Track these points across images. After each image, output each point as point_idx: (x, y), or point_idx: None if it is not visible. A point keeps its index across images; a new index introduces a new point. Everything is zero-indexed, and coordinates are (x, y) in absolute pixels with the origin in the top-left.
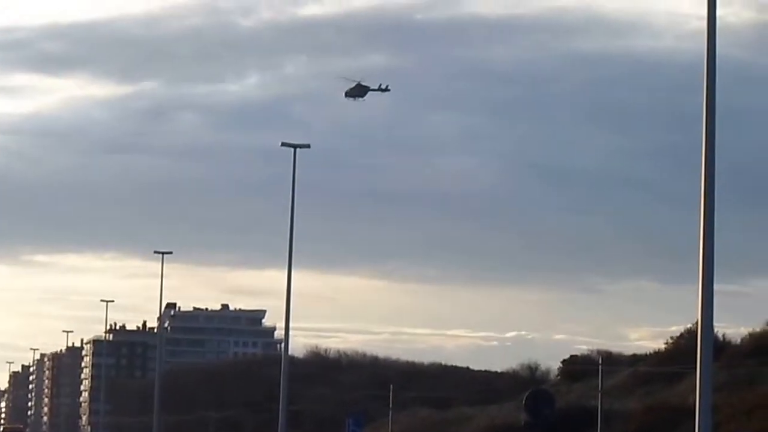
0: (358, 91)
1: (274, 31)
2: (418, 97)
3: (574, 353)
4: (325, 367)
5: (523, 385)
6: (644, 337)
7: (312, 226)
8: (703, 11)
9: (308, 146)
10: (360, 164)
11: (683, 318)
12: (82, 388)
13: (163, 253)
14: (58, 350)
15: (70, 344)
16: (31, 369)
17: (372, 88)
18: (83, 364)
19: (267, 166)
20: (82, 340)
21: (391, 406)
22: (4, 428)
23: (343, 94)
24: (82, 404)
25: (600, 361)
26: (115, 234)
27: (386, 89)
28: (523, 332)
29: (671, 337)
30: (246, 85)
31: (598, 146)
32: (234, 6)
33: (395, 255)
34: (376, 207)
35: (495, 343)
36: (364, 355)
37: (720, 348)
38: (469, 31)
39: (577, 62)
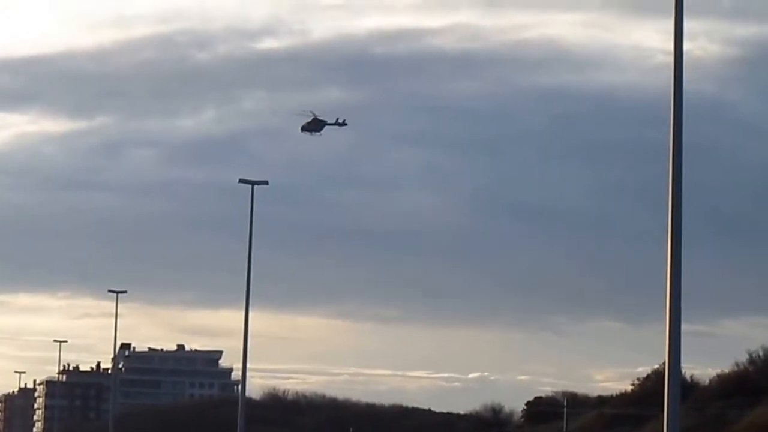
0: (315, 126)
1: (230, 65)
2: (378, 132)
3: (538, 395)
4: (283, 409)
5: (487, 426)
6: (610, 378)
7: (270, 264)
8: (669, 46)
9: (266, 183)
10: (319, 201)
11: (650, 359)
12: (35, 430)
13: (117, 292)
14: (11, 391)
15: (22, 385)
16: None
17: (329, 122)
18: (36, 406)
19: (223, 202)
20: (34, 381)
21: None
22: None
23: (300, 128)
24: None
25: (565, 403)
26: (68, 273)
27: (343, 123)
28: (486, 373)
29: (638, 379)
30: (202, 120)
31: (563, 183)
32: (189, 40)
33: (355, 294)
34: (335, 245)
35: (457, 384)
36: (324, 396)
37: (688, 389)
38: (429, 65)
39: (541, 97)
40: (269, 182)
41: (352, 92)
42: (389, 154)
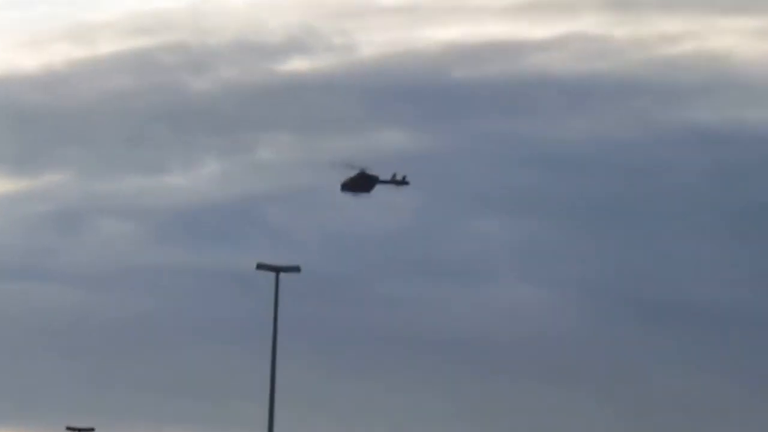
0: (362, 183)
1: (239, 96)
2: (455, 193)
3: None
4: None
5: None
6: None
7: (300, 387)
8: None
9: (297, 269)
10: (370, 295)
11: None
12: None
13: (80, 430)
14: None
15: None
16: None
17: (382, 179)
18: None
19: (232, 298)
20: None
21: None
22: None
23: (340, 187)
24: None
25: None
26: (12, 401)
27: (404, 181)
28: None
29: None
30: (199, 177)
31: (719, 269)
32: (180, 60)
33: (415, 422)
34: (393, 358)
35: None
36: None
37: None
38: (532, 95)
39: (695, 141)
40: (301, 268)
41: (418, 135)
42: (469, 226)
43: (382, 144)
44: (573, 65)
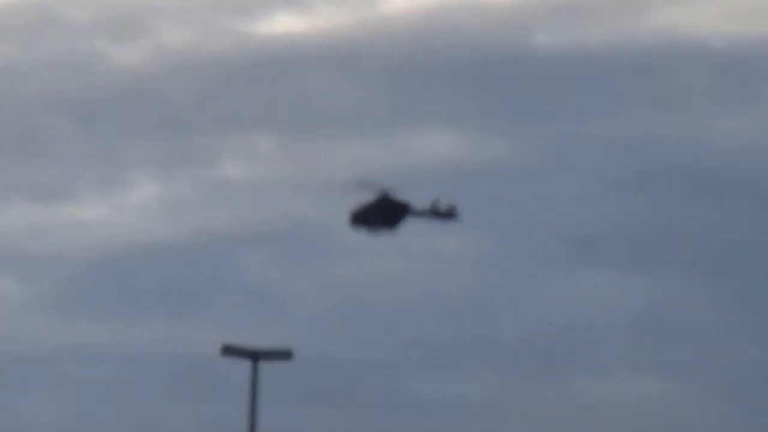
0: (383, 214)
1: (189, 75)
2: (533, 233)
3: None
4: None
5: None
6: None
7: None
8: None
9: (287, 355)
10: (392, 394)
11: None
12: None
13: None
14: None
15: None
16: None
17: (416, 208)
18: None
19: (181, 399)
20: None
21: None
22: None
23: (349, 219)
24: None
25: None
26: None
27: (451, 213)
28: None
29: None
30: (124, 206)
31: None
32: (98, 20)
33: None
34: None
35: None
36: None
37: None
38: (656, 76)
39: None
40: (292, 353)
41: (474, 138)
42: (561, 283)
43: (416, 152)
44: (727, 27)
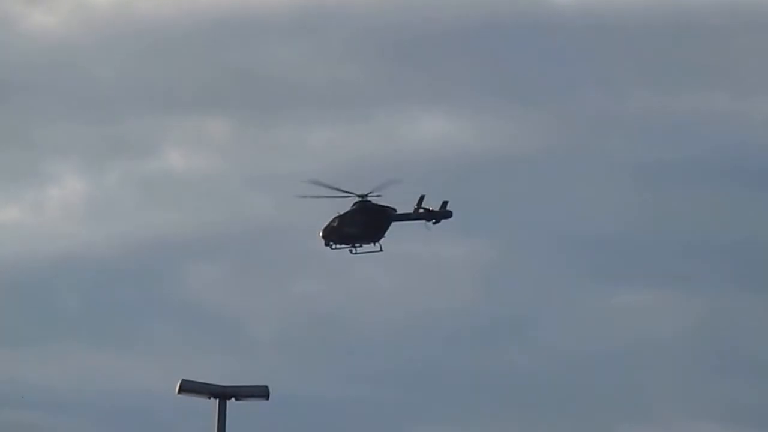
0: (362, 224)
1: (123, 43)
2: (552, 236)
3: None
4: None
5: None
6: None
7: None
8: None
9: (264, 395)
10: None
11: None
12: None
13: None
14: None
15: None
16: None
17: (401, 212)
18: None
19: None
20: None
21: None
22: None
23: (320, 234)
24: None
25: None
26: None
27: (442, 214)
28: None
29: None
30: (42, 206)
31: None
32: None
33: None
34: None
35: None
36: None
37: None
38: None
39: None
40: (268, 392)
41: (474, 121)
42: (592, 304)
43: (402, 139)
44: None
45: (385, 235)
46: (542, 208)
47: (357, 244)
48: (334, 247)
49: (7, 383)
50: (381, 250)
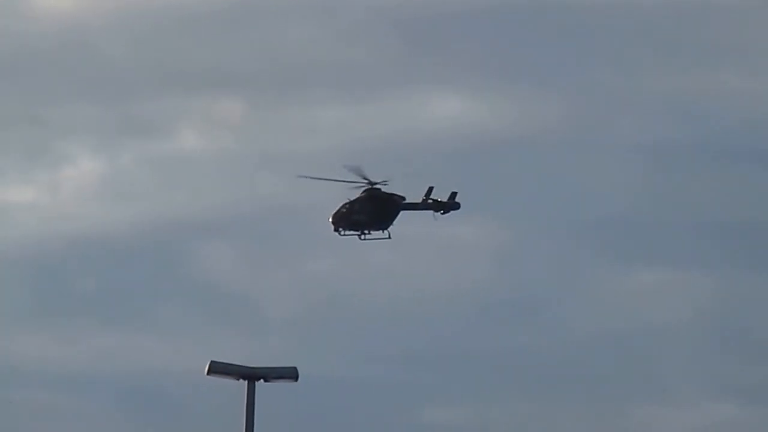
0: (371, 211)
1: (119, 19)
2: (572, 223)
3: None
4: None
5: None
6: None
7: None
8: None
9: (293, 375)
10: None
11: None
12: None
13: None
14: None
15: None
16: None
17: (410, 201)
18: None
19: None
20: None
21: None
22: None
23: (330, 220)
24: None
25: None
26: None
27: (451, 205)
28: None
29: None
30: (53, 187)
31: None
32: None
33: None
34: None
35: None
36: None
37: None
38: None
39: None
40: (297, 373)
41: (489, 102)
42: (613, 291)
43: (414, 119)
44: None
45: (391, 223)
46: (555, 189)
47: (366, 231)
48: (343, 233)
49: (23, 363)
50: (389, 238)
